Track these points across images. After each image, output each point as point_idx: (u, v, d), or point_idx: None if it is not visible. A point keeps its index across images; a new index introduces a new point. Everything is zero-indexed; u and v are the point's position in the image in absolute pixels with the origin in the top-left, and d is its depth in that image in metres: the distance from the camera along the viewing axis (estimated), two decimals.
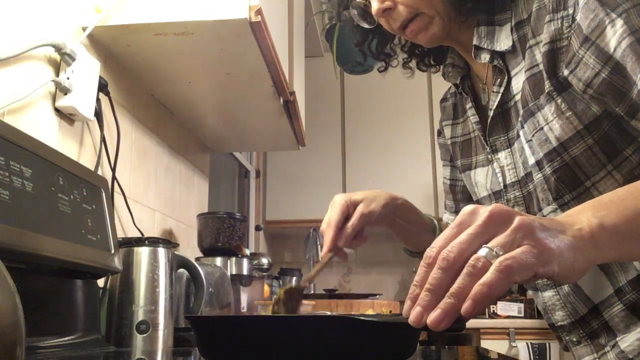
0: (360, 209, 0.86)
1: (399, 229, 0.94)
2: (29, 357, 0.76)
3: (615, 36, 0.66)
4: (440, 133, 1.07)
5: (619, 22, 0.66)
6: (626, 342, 0.78)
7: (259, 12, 1.23)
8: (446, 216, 1.10)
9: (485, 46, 0.83)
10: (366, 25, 0.91)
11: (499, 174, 0.87)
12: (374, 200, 0.87)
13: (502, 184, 0.87)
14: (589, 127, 0.73)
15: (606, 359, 0.81)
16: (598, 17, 0.68)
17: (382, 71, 1.05)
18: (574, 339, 0.85)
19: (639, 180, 0.61)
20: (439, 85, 3.61)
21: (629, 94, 0.66)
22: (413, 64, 1.03)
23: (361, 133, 3.64)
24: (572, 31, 0.71)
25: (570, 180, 0.76)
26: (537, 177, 0.80)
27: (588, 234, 0.51)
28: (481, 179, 0.92)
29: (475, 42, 0.84)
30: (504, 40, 0.81)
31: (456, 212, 1.07)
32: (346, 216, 0.85)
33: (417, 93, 3.62)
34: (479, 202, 0.94)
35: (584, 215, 0.53)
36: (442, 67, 0.99)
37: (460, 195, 1.06)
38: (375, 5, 0.83)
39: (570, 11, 0.71)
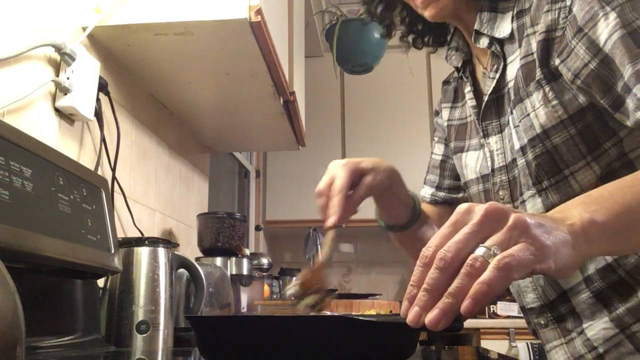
0: (369, 180, 0.81)
1: (385, 201, 0.91)
2: (29, 357, 0.76)
3: (607, 29, 0.68)
4: (437, 113, 1.08)
5: (612, 15, 0.68)
6: (592, 330, 0.79)
7: (259, 12, 1.23)
8: (424, 190, 1.10)
9: (486, 32, 0.84)
10: None
11: (489, 158, 0.89)
12: (380, 171, 0.83)
13: (490, 168, 0.88)
14: (573, 117, 0.75)
15: (573, 345, 0.82)
16: (593, 9, 0.69)
17: (385, 37, 1.04)
18: (542, 322, 0.86)
19: (628, 176, 0.61)
20: (438, 85, 3.60)
21: (615, 87, 0.68)
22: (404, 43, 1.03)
23: (361, 133, 3.64)
24: (567, 22, 0.73)
25: (550, 167, 0.78)
26: (521, 162, 0.81)
27: (580, 229, 0.52)
28: (471, 162, 0.94)
29: (476, 26, 0.85)
30: (504, 28, 0.83)
31: (438, 187, 1.07)
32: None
33: (417, 93, 3.62)
34: (466, 184, 0.96)
35: (575, 211, 0.54)
36: (446, 49, 0.99)
37: (448, 173, 1.06)
38: None
39: (568, 2, 0.73)
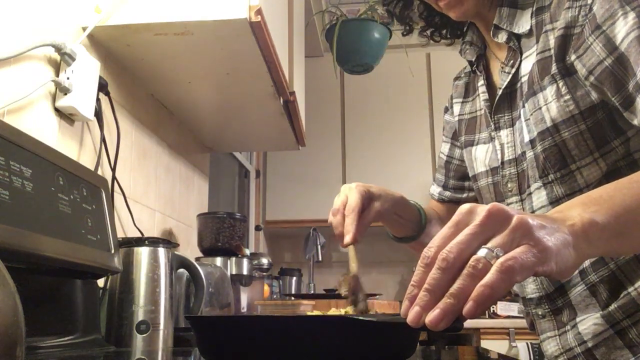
0: (377, 206, 0.87)
1: (392, 223, 0.97)
2: (29, 357, 0.76)
3: (625, 27, 0.69)
4: (447, 110, 1.10)
5: (631, 15, 0.69)
6: (584, 324, 0.81)
7: (259, 12, 1.23)
8: (433, 188, 1.15)
9: (505, 27, 0.86)
10: None
11: (499, 151, 0.90)
12: (387, 199, 0.89)
13: (499, 161, 0.90)
14: (584, 113, 0.77)
15: (565, 337, 0.84)
16: (613, 7, 0.71)
17: (405, 35, 1.09)
18: (540, 313, 0.88)
19: (626, 177, 0.62)
20: (439, 85, 3.61)
21: (627, 85, 0.69)
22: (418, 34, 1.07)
23: (361, 133, 3.64)
24: (586, 19, 0.74)
25: (557, 161, 0.79)
26: (529, 155, 0.83)
27: (580, 229, 0.52)
28: (481, 155, 0.95)
29: (495, 21, 0.87)
30: (523, 24, 0.85)
31: (444, 187, 1.12)
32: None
33: (417, 93, 3.62)
34: (475, 177, 0.97)
35: (575, 211, 0.54)
36: (460, 43, 1.01)
37: (453, 173, 1.11)
38: None
39: (589, 1, 0.74)
